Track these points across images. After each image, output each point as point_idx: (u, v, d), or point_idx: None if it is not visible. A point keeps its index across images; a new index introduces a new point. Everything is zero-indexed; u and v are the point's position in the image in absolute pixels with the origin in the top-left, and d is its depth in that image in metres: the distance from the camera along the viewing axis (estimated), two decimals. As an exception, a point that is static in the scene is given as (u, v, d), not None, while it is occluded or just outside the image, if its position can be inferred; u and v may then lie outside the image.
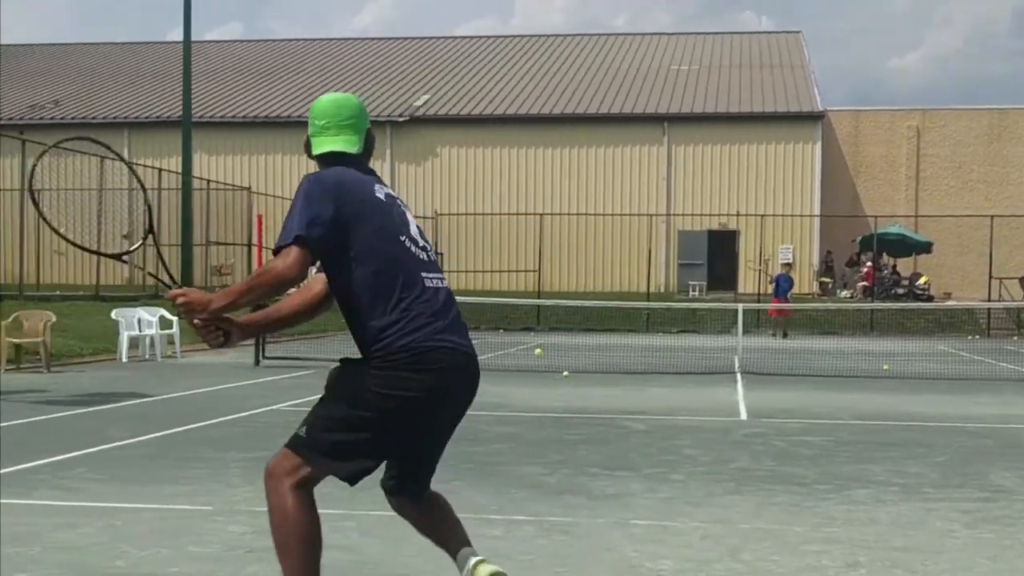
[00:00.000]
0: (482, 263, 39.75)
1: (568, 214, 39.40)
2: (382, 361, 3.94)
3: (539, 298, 33.83)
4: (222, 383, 14.99)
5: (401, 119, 42.63)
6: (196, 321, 4.05)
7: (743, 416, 12.00)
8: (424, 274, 4.06)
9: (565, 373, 17.21)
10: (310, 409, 4.15)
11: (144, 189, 4.76)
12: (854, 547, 5.95)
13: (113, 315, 19.33)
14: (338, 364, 4.18)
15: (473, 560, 4.24)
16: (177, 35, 28.92)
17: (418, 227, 4.22)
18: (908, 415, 12.28)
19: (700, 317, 31.63)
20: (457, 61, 50.41)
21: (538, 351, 17.04)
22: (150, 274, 4.65)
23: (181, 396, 13.29)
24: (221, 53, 52.90)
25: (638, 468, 8.32)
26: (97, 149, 4.51)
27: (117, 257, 4.89)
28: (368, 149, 4.30)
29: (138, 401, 12.67)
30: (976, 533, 6.33)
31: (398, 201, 4.22)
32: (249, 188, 36.03)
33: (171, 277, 4.32)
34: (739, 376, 17.03)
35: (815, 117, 41.43)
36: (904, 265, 41.15)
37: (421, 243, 4.15)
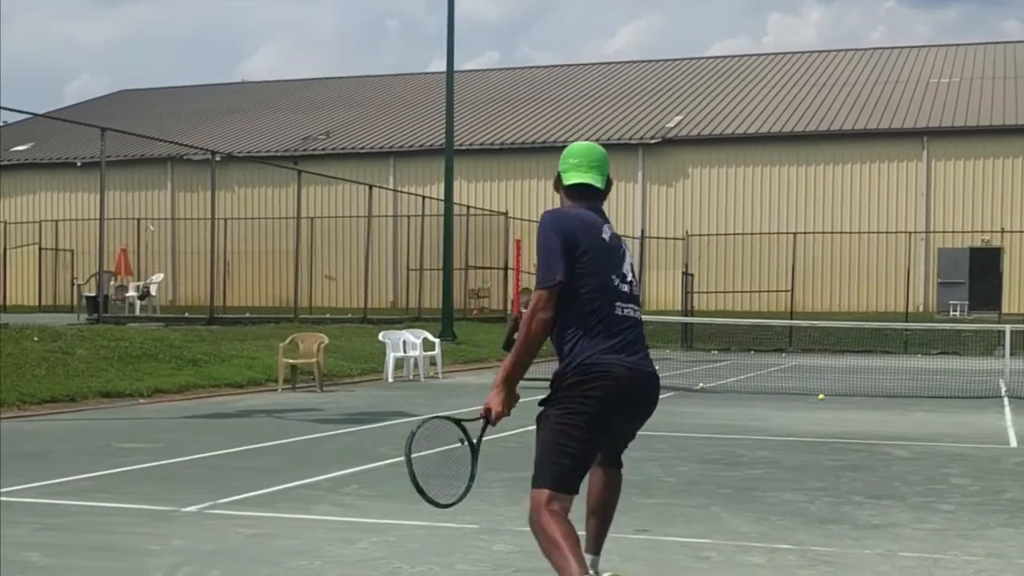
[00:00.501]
0: (733, 283, 39.35)
1: (822, 232, 38.56)
2: (565, 380, 4.74)
3: (791, 318, 33.20)
4: (482, 403, 15.42)
5: (653, 141, 42.73)
6: (505, 412, 4.92)
7: (1013, 443, 11.52)
8: (619, 303, 4.71)
9: (821, 396, 16.89)
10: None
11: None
12: None
13: (380, 337, 20.24)
14: None
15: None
16: (437, 65, 30.05)
17: (631, 265, 4.88)
18: None
19: (963, 338, 30.34)
20: (708, 81, 50.16)
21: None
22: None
23: (445, 415, 13.74)
24: (479, 82, 54.42)
25: (904, 497, 8.12)
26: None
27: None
28: (607, 192, 4.90)
29: (405, 420, 13.19)
30: None
31: (621, 243, 4.86)
32: (506, 213, 36.90)
33: (466, 435, 5.24)
34: (1007, 401, 16.30)
35: (1087, 127, 39.10)
36: None
37: (628, 278, 4.79)
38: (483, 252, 36.64)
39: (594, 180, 4.82)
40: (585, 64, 57.69)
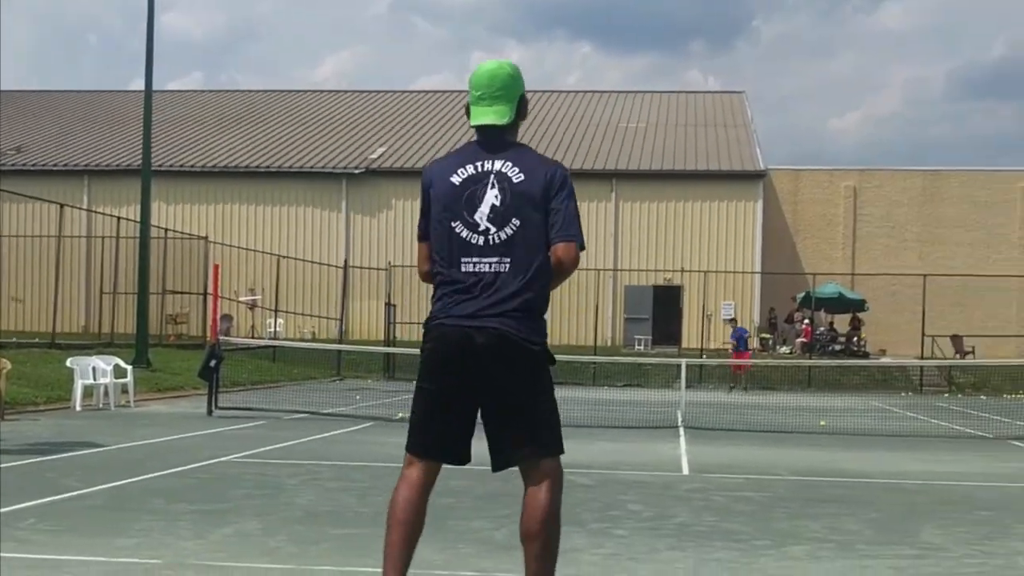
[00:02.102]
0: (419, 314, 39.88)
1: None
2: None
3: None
4: (175, 433, 15.06)
5: (357, 171, 42.87)
6: None
7: (685, 471, 12.27)
8: (464, 259, 4.49)
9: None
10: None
11: None
12: (787, 601, 6.21)
13: (68, 363, 19.31)
14: None
15: None
16: (139, 84, 29.09)
17: (493, 206, 4.51)
18: (843, 471, 12.62)
19: (645, 371, 31.97)
20: (413, 114, 50.88)
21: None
22: None
23: (134, 446, 13.35)
24: (182, 102, 52.99)
25: (583, 523, 8.53)
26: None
27: None
28: (520, 115, 4.70)
29: (91, 451, 12.71)
30: (905, 589, 6.60)
31: (488, 179, 4.55)
32: (206, 237, 36.06)
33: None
34: (682, 431, 17.33)
35: (757, 176, 42.28)
36: (841, 322, 41.87)
37: (482, 227, 4.50)
38: (182, 277, 35.67)
39: (497, 116, 4.60)
40: (291, 91, 57.31)
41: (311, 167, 43.34)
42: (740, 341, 31.72)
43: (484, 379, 4.50)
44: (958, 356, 37.68)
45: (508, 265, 4.46)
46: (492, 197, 4.49)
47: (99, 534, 7.63)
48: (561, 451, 4.63)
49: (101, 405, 19.08)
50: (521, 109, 4.68)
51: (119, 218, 31.64)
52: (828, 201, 45.55)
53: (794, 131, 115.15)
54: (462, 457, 4.72)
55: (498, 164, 4.56)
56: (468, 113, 4.70)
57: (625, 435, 16.66)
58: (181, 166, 43.52)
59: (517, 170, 4.55)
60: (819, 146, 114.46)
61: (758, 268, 41.63)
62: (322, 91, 58.35)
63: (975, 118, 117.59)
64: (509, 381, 4.50)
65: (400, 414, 19.47)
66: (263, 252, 40.03)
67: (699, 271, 39.68)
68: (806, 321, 39.50)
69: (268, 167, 43.43)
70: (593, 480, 11.16)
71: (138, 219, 27.35)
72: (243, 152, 45.14)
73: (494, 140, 4.63)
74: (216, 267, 20.59)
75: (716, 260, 41.17)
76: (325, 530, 7.87)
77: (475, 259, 4.47)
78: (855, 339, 39.57)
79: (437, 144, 45.66)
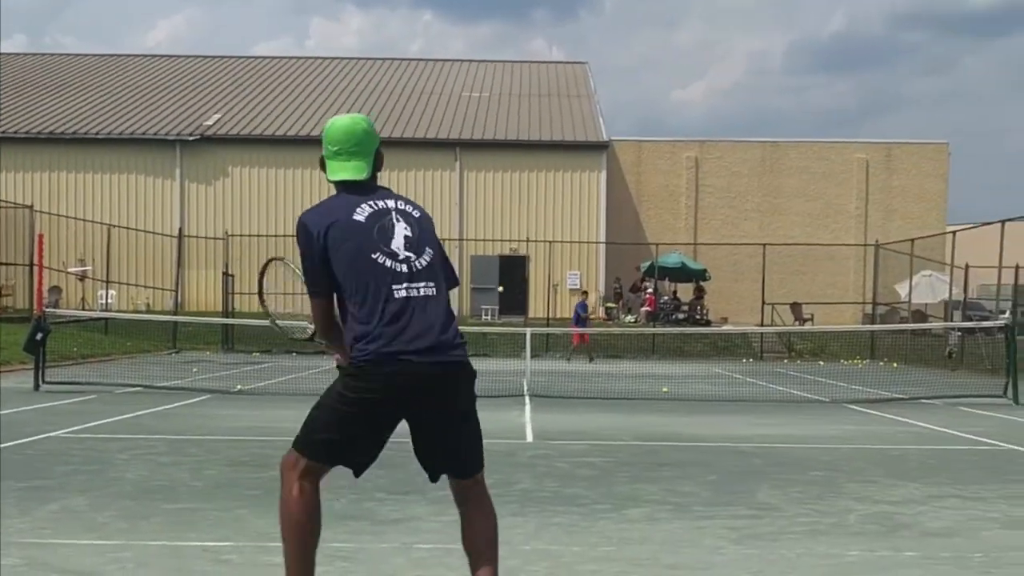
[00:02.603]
0: (274, 285, 39.11)
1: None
2: (345, 371, 4.52)
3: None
4: (1, 408, 14.40)
5: (191, 138, 41.77)
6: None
7: (529, 438, 12.27)
8: (395, 286, 4.43)
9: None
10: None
11: None
12: (628, 565, 6.21)
13: None
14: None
15: None
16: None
17: (406, 237, 4.54)
18: (684, 436, 12.81)
19: (491, 341, 32.05)
20: (250, 81, 49.81)
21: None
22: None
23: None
24: (4, 65, 50.70)
25: (424, 491, 8.41)
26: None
27: None
28: (377, 168, 4.72)
29: (-97, 429, 12.07)
30: (743, 549, 6.68)
31: (391, 215, 4.56)
32: (31, 206, 34.64)
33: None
34: (527, 399, 17.38)
35: (600, 146, 42.66)
36: (684, 291, 42.68)
37: (402, 255, 4.49)
38: (5, 247, 34.24)
39: (356, 172, 4.62)
40: (122, 55, 55.49)
41: (143, 133, 42.04)
42: (578, 316, 31.95)
43: (430, 405, 4.56)
44: (797, 323, 38.83)
45: (434, 290, 4.52)
46: (402, 229, 4.55)
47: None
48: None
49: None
50: (378, 163, 4.73)
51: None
52: (671, 172, 46.31)
53: (639, 102, 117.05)
54: (363, 470, 4.78)
55: (390, 203, 4.61)
56: (323, 167, 4.70)
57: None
58: (3, 132, 41.71)
59: (411, 207, 4.68)
60: (663, 117, 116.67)
61: (602, 238, 42.10)
62: (155, 56, 56.69)
63: (814, 91, 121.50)
64: (462, 403, 4.67)
65: (239, 386, 19.06)
66: (93, 221, 38.69)
67: (544, 241, 39.95)
68: (650, 290, 40.16)
69: (97, 133, 41.95)
70: (436, 449, 11.04)
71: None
72: (71, 118, 43.51)
73: (363, 189, 4.65)
74: (41, 236, 19.76)
75: (561, 230, 41.48)
76: (157, 505, 7.60)
77: (405, 284, 4.45)
78: (698, 308, 40.41)
79: (276, 111, 44.80)
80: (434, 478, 4.81)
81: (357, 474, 4.74)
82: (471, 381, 4.70)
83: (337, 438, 4.54)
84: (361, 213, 4.51)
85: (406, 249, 4.52)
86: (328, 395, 4.57)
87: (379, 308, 4.40)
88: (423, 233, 4.61)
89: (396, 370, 4.37)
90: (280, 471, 4.64)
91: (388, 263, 4.46)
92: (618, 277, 42.66)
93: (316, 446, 4.55)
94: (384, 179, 4.78)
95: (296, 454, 4.58)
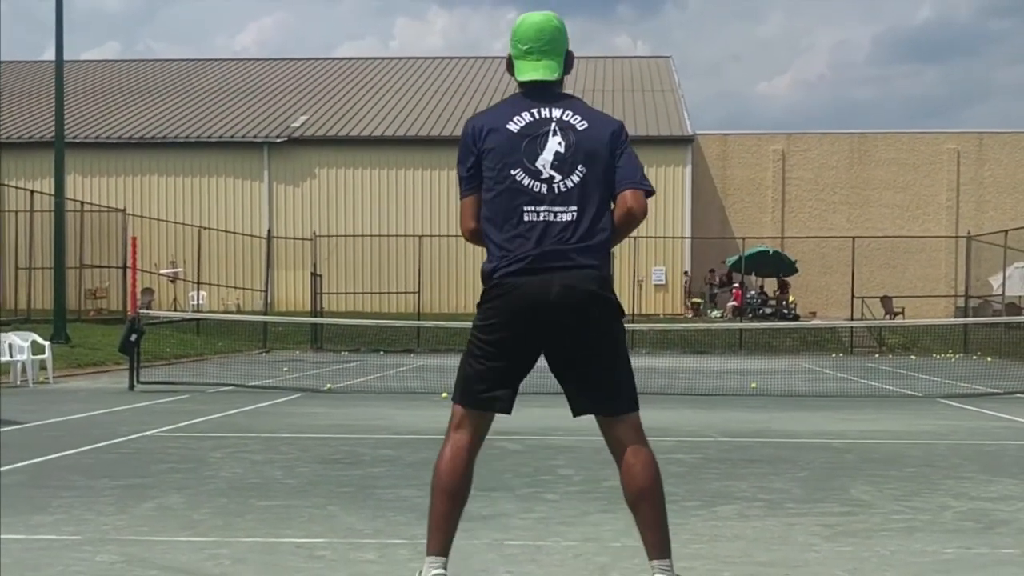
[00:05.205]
0: (362, 284, 39.65)
1: (448, 236, 39.56)
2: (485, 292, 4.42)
3: (419, 319, 33.86)
4: (96, 409, 14.73)
5: (279, 140, 42.33)
6: None
7: (616, 435, 12.19)
8: (527, 208, 4.27)
9: (444, 395, 17.29)
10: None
11: None
12: (719, 563, 6.16)
13: (-19, 340, 18.85)
14: None
15: None
16: (52, 53, 28.22)
17: (557, 154, 4.31)
18: (774, 432, 12.67)
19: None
20: (335, 82, 50.33)
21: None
22: None
23: (53, 423, 13.03)
24: (97, 72, 51.89)
25: (513, 488, 8.45)
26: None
27: None
28: (567, 70, 4.49)
29: (8, 428, 12.37)
30: (836, 546, 6.58)
31: (550, 126, 4.34)
32: (124, 210, 35.39)
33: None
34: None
35: (685, 140, 42.37)
36: (771, 285, 42.25)
37: (545, 174, 4.29)
38: (100, 251, 35.01)
39: (547, 72, 4.39)
40: (210, 60, 56.43)
41: (231, 136, 42.71)
42: None
43: (558, 331, 4.37)
44: (888, 317, 38.20)
45: (575, 214, 4.28)
46: (555, 144, 4.31)
47: (16, 512, 7.42)
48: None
49: (19, 383, 18.64)
50: (568, 64, 4.50)
51: (32, 192, 30.92)
52: (757, 165, 45.83)
53: (724, 96, 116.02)
54: (510, 406, 4.66)
55: (557, 112, 4.37)
56: (510, 66, 4.51)
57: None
58: (97, 138, 42.63)
59: (579, 118, 4.40)
60: (748, 111, 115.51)
61: (688, 233, 41.81)
62: (242, 59, 57.52)
63: (900, 81, 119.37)
64: (593, 332, 4.39)
65: (328, 385, 19.28)
66: (183, 224, 39.40)
67: (629, 237, 39.73)
68: (736, 285, 39.80)
69: (187, 137, 42.70)
70: (523, 446, 11.08)
71: (52, 192, 26.73)
72: (161, 123, 44.34)
73: (545, 92, 4.44)
74: (134, 240, 20.16)
75: (646, 226, 41.13)
76: (250, 502, 7.71)
77: (539, 207, 4.27)
78: (784, 302, 39.94)
79: (362, 112, 45.19)
80: (576, 411, 4.73)
81: (503, 411, 4.65)
82: (608, 308, 4.42)
83: (471, 372, 4.49)
84: (519, 122, 4.33)
85: (552, 167, 4.30)
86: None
87: (509, 229, 4.28)
88: (580, 148, 4.34)
89: (519, 292, 4.26)
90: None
91: (527, 181, 4.28)
92: (712, 269, 42.26)
93: (458, 387, 4.54)
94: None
95: (453, 406, 4.59)
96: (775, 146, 45.87)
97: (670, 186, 41.92)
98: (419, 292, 37.31)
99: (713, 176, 45.61)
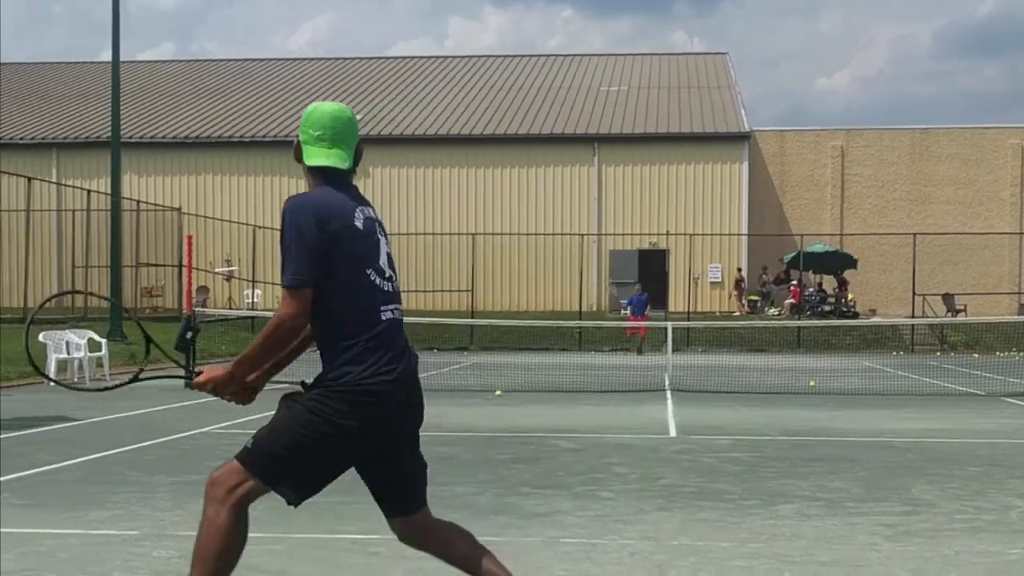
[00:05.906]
0: (415, 283, 39.71)
1: (500, 234, 39.52)
2: (329, 390, 4.11)
3: (472, 317, 33.85)
4: (152, 406, 14.84)
5: (332, 139, 42.46)
6: (227, 397, 4.36)
7: (672, 433, 12.13)
8: (382, 307, 4.13)
9: (497, 392, 17.27)
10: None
11: None
12: (779, 562, 6.06)
13: (41, 338, 19.00)
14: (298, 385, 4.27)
15: None
16: (108, 55, 28.55)
17: (388, 255, 4.25)
18: (833, 430, 12.50)
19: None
20: (390, 81, 50.45)
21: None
22: (169, 375, 4.89)
23: (110, 419, 13.15)
24: (153, 73, 52.44)
25: (568, 486, 8.39)
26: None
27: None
28: (356, 164, 4.34)
29: (66, 425, 12.52)
30: (898, 546, 6.46)
31: (376, 226, 4.25)
32: (179, 209, 35.72)
33: (187, 366, 4.57)
34: (669, 394, 17.20)
35: (742, 137, 42.02)
36: (830, 283, 41.78)
37: (387, 273, 4.19)
38: (156, 249, 35.36)
39: (339, 160, 4.22)
40: (264, 59, 56.83)
41: (284, 136, 42.96)
42: (637, 305, 31.31)
43: (399, 434, 4.26)
44: (950, 315, 37.62)
45: (399, 311, 4.25)
46: (384, 245, 4.25)
47: (75, 507, 7.50)
48: None
49: (76, 379, 18.83)
50: (357, 158, 4.36)
51: (89, 191, 31.30)
52: (815, 161, 45.32)
53: (781, 92, 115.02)
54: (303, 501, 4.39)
55: (370, 211, 4.27)
56: (299, 152, 4.28)
57: (611, 399, 16.52)
58: (152, 138, 43.08)
59: (378, 216, 4.37)
60: (807, 107, 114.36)
61: (745, 230, 41.46)
62: (295, 59, 57.85)
63: (961, 76, 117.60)
64: (414, 431, 4.35)
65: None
66: (238, 223, 39.68)
67: (685, 234, 39.49)
68: (794, 282, 39.42)
69: (241, 137, 43.00)
70: (578, 444, 11.02)
71: (109, 192, 27.02)
72: (215, 122, 44.71)
73: (347, 184, 4.28)
74: (189, 238, 20.31)
75: (702, 223, 40.98)
76: (308, 501, 7.69)
77: (388, 307, 4.16)
78: (843, 299, 39.49)
79: (416, 111, 45.28)
80: (390, 512, 4.48)
81: (296, 504, 4.31)
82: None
83: (316, 473, 4.21)
84: (359, 219, 4.15)
85: (388, 267, 4.23)
86: (290, 415, 4.18)
87: (366, 330, 4.08)
88: (390, 249, 4.32)
89: (375, 399, 4.06)
90: (212, 488, 4.18)
91: (377, 281, 4.14)
92: (766, 266, 41.90)
93: (273, 469, 4.16)
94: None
95: (243, 473, 4.17)
96: (834, 142, 45.35)
97: (727, 183, 41.59)
98: (472, 290, 37.32)
99: (771, 173, 45.19)
